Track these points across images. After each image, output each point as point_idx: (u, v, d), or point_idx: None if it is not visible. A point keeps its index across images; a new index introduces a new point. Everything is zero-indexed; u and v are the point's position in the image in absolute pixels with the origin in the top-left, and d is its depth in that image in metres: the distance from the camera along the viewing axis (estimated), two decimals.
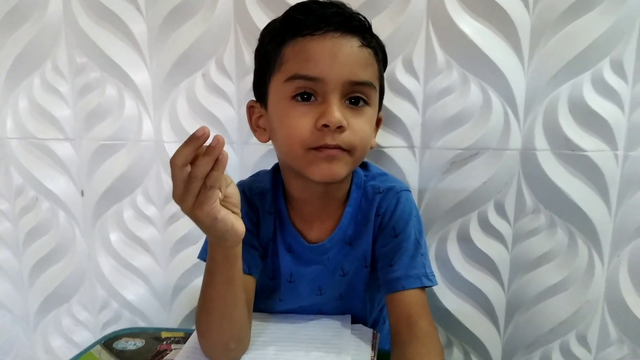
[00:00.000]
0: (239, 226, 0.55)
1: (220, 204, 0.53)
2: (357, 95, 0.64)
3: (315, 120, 0.61)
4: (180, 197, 0.50)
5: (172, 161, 0.49)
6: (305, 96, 0.63)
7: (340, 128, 0.61)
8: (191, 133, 0.99)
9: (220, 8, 0.93)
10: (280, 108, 0.65)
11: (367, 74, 0.65)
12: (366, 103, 0.65)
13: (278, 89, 0.65)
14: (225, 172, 0.51)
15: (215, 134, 0.49)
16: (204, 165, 0.48)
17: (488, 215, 0.93)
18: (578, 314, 0.93)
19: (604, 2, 0.84)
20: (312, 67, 0.61)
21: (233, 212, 0.55)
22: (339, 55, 0.62)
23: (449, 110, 0.91)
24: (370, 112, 0.66)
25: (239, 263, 0.61)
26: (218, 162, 0.48)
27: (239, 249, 0.59)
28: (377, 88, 0.67)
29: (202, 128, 0.48)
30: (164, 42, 0.97)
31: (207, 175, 0.49)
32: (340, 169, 0.63)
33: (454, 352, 1.01)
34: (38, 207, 1.08)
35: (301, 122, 0.62)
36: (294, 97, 0.63)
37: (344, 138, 0.62)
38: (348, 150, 0.63)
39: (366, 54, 0.64)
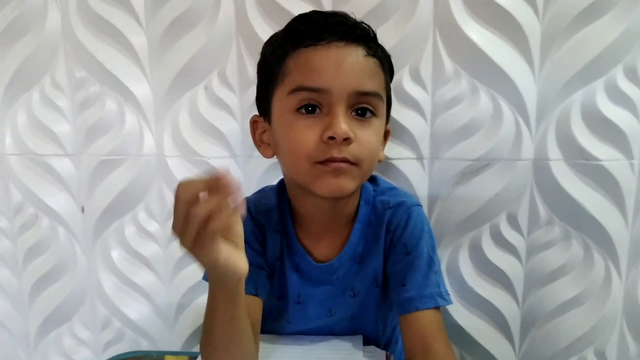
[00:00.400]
0: (242, 266, 0.51)
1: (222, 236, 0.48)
2: (363, 107, 0.62)
3: (320, 133, 0.59)
4: (179, 233, 0.46)
5: (177, 194, 0.45)
6: (309, 108, 0.60)
7: (347, 140, 0.59)
8: (193, 147, 0.97)
9: (221, 19, 0.92)
10: (284, 121, 0.63)
11: (374, 83, 0.62)
12: (373, 114, 0.63)
13: (282, 101, 0.63)
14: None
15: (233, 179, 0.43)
16: (210, 205, 0.43)
17: (500, 227, 0.91)
18: (596, 329, 0.91)
19: (616, 8, 0.82)
20: (316, 78, 0.60)
21: (236, 244, 0.51)
22: (343, 65, 0.60)
23: (459, 120, 0.89)
24: (377, 124, 0.64)
25: (242, 301, 0.57)
26: (229, 207, 0.44)
27: (241, 287, 0.55)
28: (384, 98, 0.65)
29: (224, 172, 0.43)
30: (165, 55, 0.95)
31: (212, 216, 0.44)
32: (348, 183, 0.61)
33: None
34: (38, 224, 1.06)
35: (306, 135, 0.60)
36: (298, 110, 0.61)
37: (351, 150, 0.60)
38: (355, 163, 0.60)
39: (372, 63, 0.62)
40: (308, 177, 0.61)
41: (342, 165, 0.60)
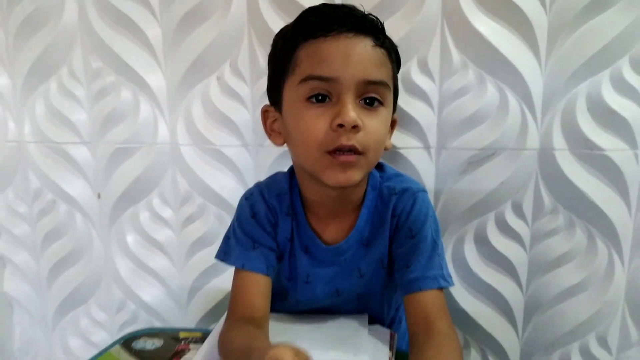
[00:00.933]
0: None
1: None
2: (371, 96, 0.63)
3: (330, 121, 0.61)
4: None
5: None
6: (319, 97, 0.62)
7: (355, 128, 0.61)
8: (206, 136, 1.00)
9: (233, 11, 0.94)
10: (294, 110, 0.64)
11: (381, 73, 0.64)
12: (381, 103, 0.65)
13: (292, 91, 0.64)
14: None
15: None
16: None
17: (505, 215, 0.93)
18: (598, 315, 0.92)
19: (622, 1, 0.82)
20: (325, 68, 0.61)
21: None
22: (352, 55, 0.61)
23: (465, 110, 0.90)
24: (384, 113, 0.66)
25: None
26: None
27: None
28: (392, 88, 0.67)
29: None
30: (179, 46, 0.97)
31: None
32: (355, 174, 0.63)
33: (471, 353, 1.00)
34: (56, 210, 1.09)
35: (316, 123, 0.62)
36: (308, 99, 0.63)
37: (359, 138, 0.61)
38: (362, 152, 0.62)
39: (380, 53, 0.64)
40: (317, 166, 0.63)
41: (350, 158, 0.62)
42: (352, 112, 0.60)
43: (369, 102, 0.63)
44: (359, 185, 0.70)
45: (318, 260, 0.73)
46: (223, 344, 0.66)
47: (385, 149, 0.69)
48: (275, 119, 0.70)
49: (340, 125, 0.60)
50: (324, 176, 0.63)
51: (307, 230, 0.72)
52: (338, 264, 0.73)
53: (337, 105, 0.61)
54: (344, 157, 0.61)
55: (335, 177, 0.62)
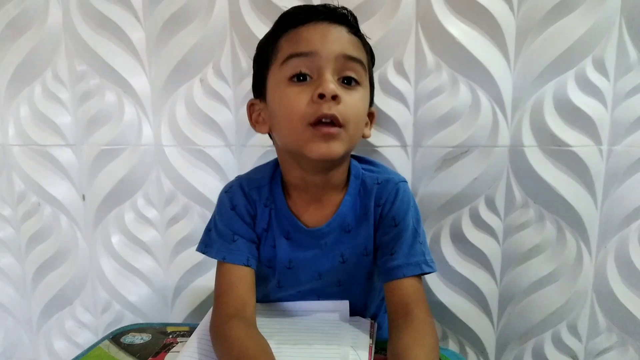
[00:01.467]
0: None
1: None
2: (349, 75, 0.68)
3: (311, 95, 0.65)
4: None
5: None
6: (301, 77, 0.66)
7: (335, 98, 0.64)
8: (190, 137, 1.02)
9: (216, 15, 0.96)
10: (278, 91, 0.68)
11: (358, 53, 0.69)
12: (357, 83, 0.69)
13: (275, 75, 0.69)
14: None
15: None
16: None
17: (479, 210, 0.97)
18: (568, 305, 0.97)
19: (585, 3, 0.87)
20: (304, 45, 0.66)
21: None
22: (329, 35, 0.67)
23: (440, 109, 0.94)
24: (362, 92, 0.70)
25: None
26: None
27: None
28: (367, 72, 0.71)
29: None
30: (162, 49, 0.99)
31: None
32: (337, 147, 0.66)
33: (449, 344, 1.04)
34: (40, 213, 1.10)
35: (298, 98, 0.65)
36: (290, 79, 0.67)
37: (339, 109, 0.65)
38: (343, 125, 0.66)
39: (355, 39, 0.70)
40: (301, 140, 0.66)
41: (332, 130, 0.65)
42: (331, 84, 0.64)
43: (347, 82, 0.68)
44: (341, 169, 0.73)
45: (300, 244, 0.75)
46: (221, 343, 0.66)
47: (364, 136, 0.73)
48: (260, 111, 0.73)
49: (321, 96, 0.64)
50: (307, 149, 0.66)
51: (288, 215, 0.75)
52: (319, 247, 0.75)
53: (317, 81, 0.65)
54: (325, 129, 0.65)
55: (318, 149, 0.65)
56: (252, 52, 0.85)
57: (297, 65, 0.66)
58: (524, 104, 0.92)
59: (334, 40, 0.67)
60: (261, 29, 0.93)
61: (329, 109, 0.64)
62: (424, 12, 0.92)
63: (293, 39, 0.68)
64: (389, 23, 0.92)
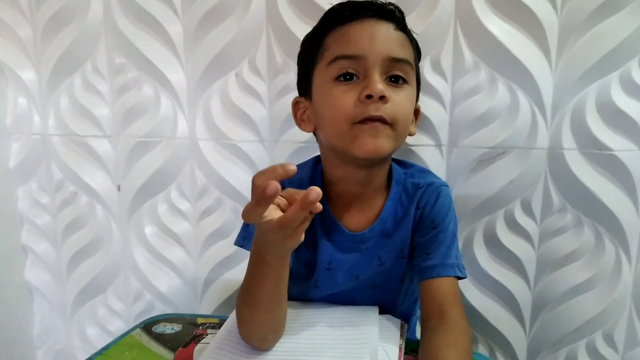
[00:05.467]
0: (300, 240, 0.56)
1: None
2: (396, 74, 0.67)
3: (358, 95, 0.64)
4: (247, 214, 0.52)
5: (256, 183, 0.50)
6: (347, 77, 0.66)
7: (382, 99, 0.64)
8: (224, 131, 1.03)
9: (252, 10, 0.97)
10: (324, 90, 0.68)
11: (405, 52, 0.68)
12: (405, 82, 0.68)
13: (322, 74, 0.68)
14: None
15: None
16: (303, 215, 0.51)
17: (515, 213, 0.94)
18: (605, 313, 0.94)
19: (633, 3, 0.84)
20: (352, 47, 0.65)
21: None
22: (377, 35, 0.66)
23: (477, 109, 0.92)
24: (410, 90, 0.69)
25: (288, 265, 0.63)
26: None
27: (290, 254, 0.62)
28: (414, 70, 0.70)
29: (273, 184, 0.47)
30: (199, 43, 1.00)
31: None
32: (384, 143, 0.65)
33: (479, 349, 1.02)
34: (77, 201, 1.13)
35: (345, 97, 0.65)
36: (336, 79, 0.66)
37: (386, 109, 0.64)
38: (390, 123, 0.65)
39: (402, 36, 0.69)
40: (347, 138, 0.66)
41: (379, 124, 0.64)
42: (379, 84, 0.64)
43: (394, 80, 0.67)
44: (383, 169, 0.73)
45: (341, 247, 0.75)
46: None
47: (410, 134, 0.72)
48: (305, 109, 0.73)
49: (369, 97, 0.63)
50: (354, 147, 0.65)
51: (330, 218, 0.74)
52: (359, 251, 0.75)
53: (364, 81, 0.65)
54: (372, 123, 0.64)
55: (365, 145, 0.65)
56: (288, 47, 0.85)
57: (344, 66, 0.66)
58: (564, 106, 0.90)
59: (381, 41, 0.66)
60: (297, 25, 0.93)
61: (376, 110, 0.64)
62: (463, 10, 0.90)
63: (340, 39, 0.67)
64: (426, 20, 0.91)
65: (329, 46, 0.68)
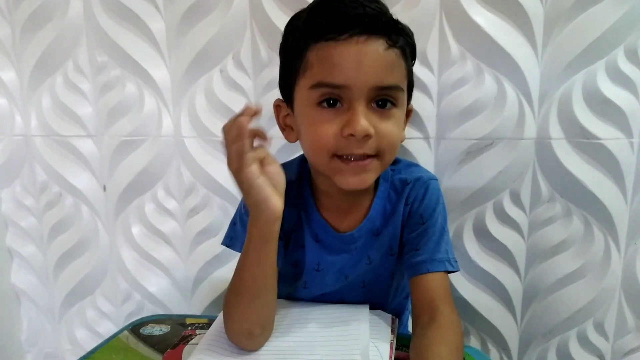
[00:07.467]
0: (275, 201, 0.59)
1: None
2: (384, 98, 0.63)
3: (341, 128, 0.61)
4: (228, 161, 0.58)
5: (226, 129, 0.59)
6: (330, 102, 0.62)
7: (366, 137, 0.61)
8: (209, 128, 1.01)
9: (236, 5, 0.95)
10: (306, 114, 0.64)
11: (394, 77, 0.63)
12: (393, 105, 0.64)
13: (303, 95, 0.64)
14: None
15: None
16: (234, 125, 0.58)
17: (504, 204, 0.94)
18: (595, 302, 0.94)
19: None
20: (336, 75, 0.60)
21: (274, 186, 0.60)
22: (364, 61, 0.60)
23: (464, 101, 0.92)
24: (398, 114, 0.65)
25: (274, 244, 0.62)
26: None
27: (275, 229, 0.61)
28: (405, 88, 0.66)
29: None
30: (182, 40, 0.99)
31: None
32: (369, 177, 0.64)
33: (471, 340, 1.02)
34: (62, 203, 1.11)
35: (326, 128, 0.62)
36: (319, 104, 0.62)
37: (371, 145, 0.62)
38: (377, 155, 0.63)
39: (392, 56, 0.62)
40: (328, 170, 0.64)
41: (363, 163, 0.62)
42: (362, 121, 0.60)
43: (382, 104, 0.63)
44: None
45: (329, 248, 0.74)
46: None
47: (400, 142, 0.69)
48: (288, 114, 0.70)
49: (351, 135, 0.60)
50: (336, 179, 0.64)
51: (318, 219, 0.73)
52: (348, 251, 0.74)
53: (348, 112, 0.61)
54: (354, 163, 0.62)
55: (347, 181, 0.64)
56: (273, 42, 0.84)
57: (326, 93, 0.62)
58: (551, 95, 0.89)
59: (369, 69, 0.60)
60: (282, 19, 0.92)
61: (359, 148, 0.61)
62: (448, 1, 0.89)
63: (324, 62, 0.60)
64: (412, 12, 0.90)
65: (311, 64, 0.62)
